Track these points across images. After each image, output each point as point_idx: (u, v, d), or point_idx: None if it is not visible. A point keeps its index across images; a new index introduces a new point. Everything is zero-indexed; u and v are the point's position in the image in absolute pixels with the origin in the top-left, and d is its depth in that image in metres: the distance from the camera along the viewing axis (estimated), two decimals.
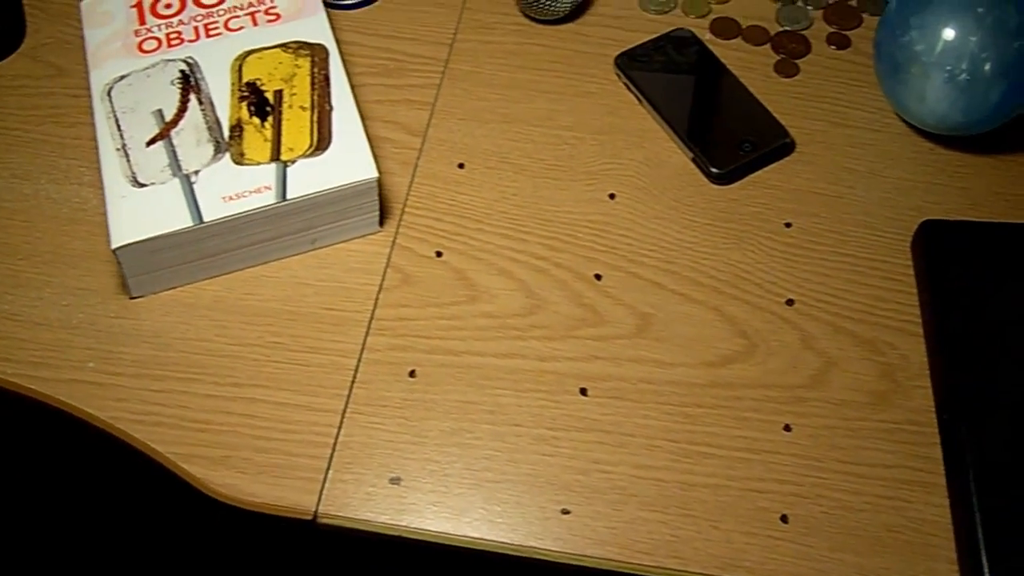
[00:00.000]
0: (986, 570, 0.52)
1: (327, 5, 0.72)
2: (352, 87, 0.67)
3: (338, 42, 0.70)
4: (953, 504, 0.56)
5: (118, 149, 0.63)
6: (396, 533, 0.56)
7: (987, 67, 0.63)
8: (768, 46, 0.74)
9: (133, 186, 0.62)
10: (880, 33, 0.67)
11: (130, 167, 0.62)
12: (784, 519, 0.56)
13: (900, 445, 0.58)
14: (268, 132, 0.64)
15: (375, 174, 0.62)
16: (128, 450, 0.59)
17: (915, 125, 0.69)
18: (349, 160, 0.63)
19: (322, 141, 0.64)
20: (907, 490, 0.57)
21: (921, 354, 0.61)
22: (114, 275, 0.64)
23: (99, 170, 0.63)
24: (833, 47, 0.74)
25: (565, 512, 0.56)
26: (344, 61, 0.69)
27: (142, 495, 0.94)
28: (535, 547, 0.55)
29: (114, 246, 0.59)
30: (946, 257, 0.62)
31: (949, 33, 0.63)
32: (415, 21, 0.76)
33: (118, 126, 0.64)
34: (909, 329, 0.62)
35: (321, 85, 0.66)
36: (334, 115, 0.65)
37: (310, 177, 0.62)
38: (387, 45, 0.75)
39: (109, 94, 0.65)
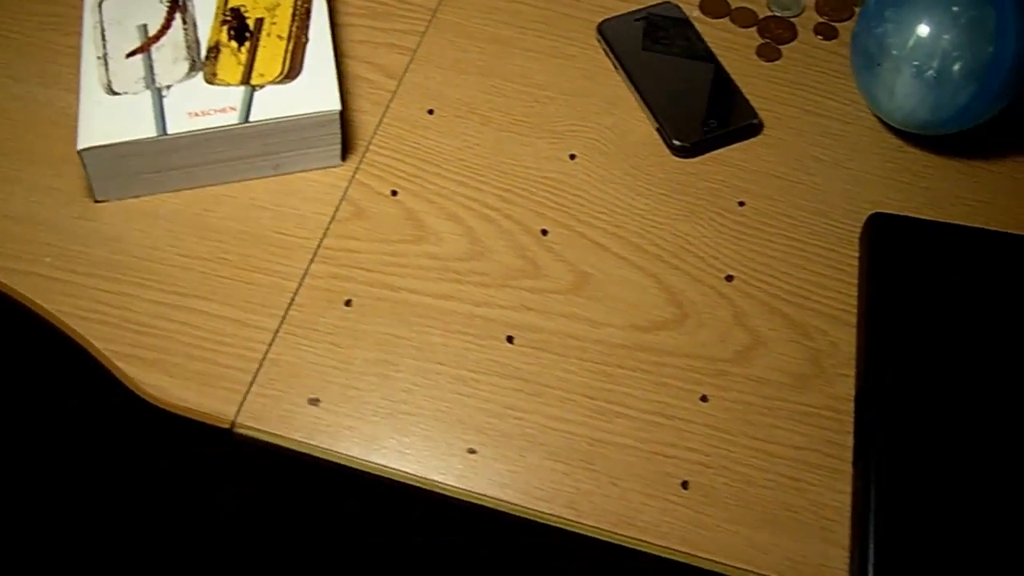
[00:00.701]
0: (871, 562, 0.53)
1: None
2: (335, 25, 0.69)
3: None
4: (854, 492, 0.56)
5: (99, 58, 0.66)
6: (307, 451, 0.58)
7: (957, 67, 0.62)
8: (754, 29, 0.74)
9: (107, 94, 0.64)
10: (858, 25, 0.67)
11: (107, 75, 0.65)
12: (685, 485, 0.57)
13: (814, 429, 0.59)
14: (243, 56, 0.66)
15: (337, 107, 0.64)
16: (69, 344, 0.62)
17: (885, 120, 0.69)
18: (315, 91, 0.64)
19: (292, 70, 0.65)
20: (813, 473, 0.57)
21: (851, 344, 0.61)
22: (82, 178, 0.66)
23: (79, 76, 0.66)
24: (820, 37, 0.74)
25: (471, 451, 0.58)
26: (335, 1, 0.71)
27: (77, 390, 0.96)
28: (436, 481, 0.57)
29: (80, 147, 0.62)
30: (891, 251, 0.62)
31: (923, 29, 0.63)
32: None
33: (103, 36, 0.66)
34: (844, 318, 0.62)
35: (301, 18, 0.68)
36: (309, 47, 0.66)
37: (275, 103, 0.64)
38: None
39: (100, 6, 0.68)
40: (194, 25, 0.67)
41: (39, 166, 0.67)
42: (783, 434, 0.59)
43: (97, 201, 0.66)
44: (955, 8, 0.62)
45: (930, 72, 0.63)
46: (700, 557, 0.55)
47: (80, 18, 0.72)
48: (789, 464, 0.58)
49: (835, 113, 0.71)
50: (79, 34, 0.72)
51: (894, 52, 0.64)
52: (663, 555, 0.55)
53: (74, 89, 0.70)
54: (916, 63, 0.63)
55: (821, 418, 0.59)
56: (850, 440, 0.58)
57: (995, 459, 0.55)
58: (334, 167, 0.67)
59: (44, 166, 0.67)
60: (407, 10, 0.75)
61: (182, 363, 0.60)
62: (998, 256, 0.62)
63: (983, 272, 0.61)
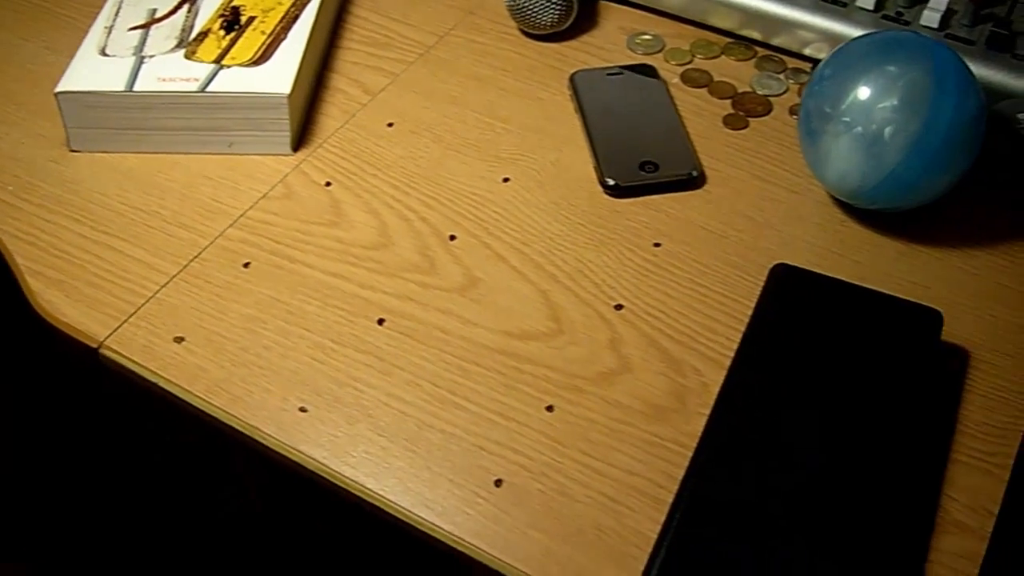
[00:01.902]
0: None
1: None
2: (336, 47, 0.74)
3: (348, 13, 0.79)
4: (664, 525, 0.52)
5: (106, 27, 0.73)
6: (155, 381, 0.59)
7: (888, 130, 0.60)
8: (729, 101, 0.74)
9: (99, 55, 0.71)
10: (804, 92, 0.65)
11: (106, 41, 0.72)
12: (498, 483, 0.54)
13: (653, 459, 0.55)
14: (224, 43, 0.72)
15: (286, 91, 0.68)
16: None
17: (827, 189, 0.66)
18: (272, 76, 0.69)
19: (262, 59, 0.71)
20: (636, 499, 0.53)
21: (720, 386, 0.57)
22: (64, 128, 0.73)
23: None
24: (794, 116, 0.72)
25: (302, 410, 0.57)
26: (345, 28, 0.78)
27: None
28: (256, 427, 0.56)
29: (56, 90, 0.69)
30: (782, 301, 0.58)
31: (861, 91, 0.61)
32: (424, 13, 0.83)
33: (117, 13, 0.74)
34: (724, 363, 0.59)
35: (289, 20, 0.73)
36: (283, 43, 0.72)
37: (233, 81, 0.69)
38: (389, 24, 0.82)
39: None
40: (196, 14, 0.74)
41: (37, 116, 0.74)
42: (619, 457, 0.55)
43: (72, 150, 0.72)
44: (892, 70, 0.60)
45: (860, 133, 0.60)
46: (486, 553, 0.51)
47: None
48: (615, 485, 0.54)
49: (783, 182, 0.69)
50: None
51: (829, 111, 0.62)
52: (450, 543, 0.52)
53: None
54: (849, 124, 0.61)
55: (665, 450, 0.55)
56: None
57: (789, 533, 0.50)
58: (284, 155, 0.71)
59: (42, 117, 0.74)
60: (406, 44, 0.80)
61: (80, 287, 0.63)
62: (887, 318, 0.57)
63: (862, 331, 0.57)
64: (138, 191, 0.69)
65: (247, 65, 0.70)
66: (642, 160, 0.68)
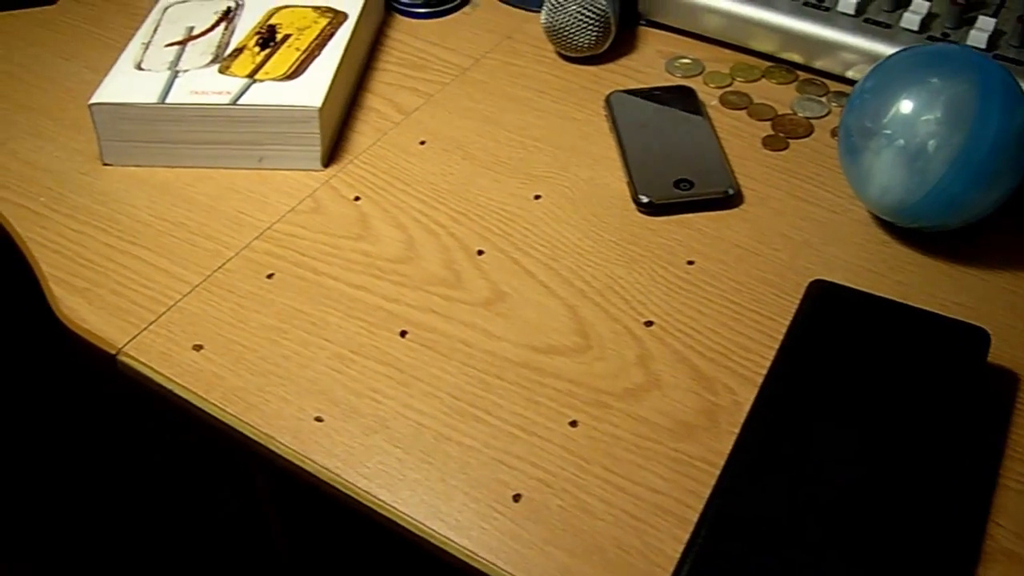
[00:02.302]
0: None
1: (400, 10, 0.82)
2: (372, 69, 0.75)
3: (385, 36, 0.79)
4: (688, 544, 0.49)
5: (143, 44, 0.74)
6: (168, 386, 0.58)
7: (932, 144, 0.57)
8: (769, 123, 0.72)
9: (135, 69, 0.72)
10: (845, 108, 0.63)
11: (142, 56, 0.73)
12: (516, 498, 0.51)
13: (680, 477, 0.52)
14: (259, 58, 0.72)
15: (317, 104, 0.68)
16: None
17: (868, 207, 0.64)
18: (304, 90, 0.69)
19: (294, 74, 0.70)
20: (660, 518, 0.50)
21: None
22: (96, 143, 0.73)
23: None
24: (835, 138, 0.70)
25: (318, 419, 0.55)
26: (381, 51, 0.78)
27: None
28: (271, 436, 0.55)
29: (90, 102, 0.69)
30: (819, 318, 0.56)
31: (903, 105, 0.59)
32: (461, 37, 0.82)
33: (155, 30, 0.75)
34: (758, 381, 0.56)
35: (324, 39, 0.73)
36: (317, 59, 0.71)
37: (264, 94, 0.69)
38: (426, 48, 0.81)
39: (165, 10, 0.77)
40: (232, 32, 0.74)
41: (73, 131, 0.74)
42: (644, 474, 0.52)
43: (105, 164, 0.72)
44: (935, 82, 0.58)
45: (903, 146, 0.58)
46: (501, 570, 0.49)
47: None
48: (638, 504, 0.51)
49: (823, 202, 0.66)
50: None
51: (870, 125, 0.60)
52: (464, 558, 0.49)
53: None
54: (891, 137, 0.58)
55: (693, 468, 0.52)
56: None
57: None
58: (314, 170, 0.71)
59: (77, 132, 0.74)
60: (443, 66, 0.79)
61: (103, 295, 0.63)
62: (930, 337, 0.54)
63: (905, 350, 0.54)
64: (166, 203, 0.69)
65: (280, 80, 0.70)
66: (677, 178, 0.66)
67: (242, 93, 0.69)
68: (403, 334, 0.60)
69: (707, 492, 0.51)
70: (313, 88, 0.69)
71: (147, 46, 0.74)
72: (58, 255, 0.66)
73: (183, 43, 0.74)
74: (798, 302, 0.59)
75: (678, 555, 0.49)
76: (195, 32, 0.75)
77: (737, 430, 0.54)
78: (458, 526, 0.51)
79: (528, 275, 0.63)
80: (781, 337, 0.58)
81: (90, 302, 0.63)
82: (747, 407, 0.55)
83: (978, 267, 0.63)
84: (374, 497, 0.52)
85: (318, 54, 0.72)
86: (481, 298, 0.62)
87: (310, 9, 0.77)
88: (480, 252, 0.65)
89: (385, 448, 0.54)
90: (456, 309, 0.61)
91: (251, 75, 0.70)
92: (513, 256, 0.64)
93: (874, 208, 0.63)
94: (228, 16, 0.76)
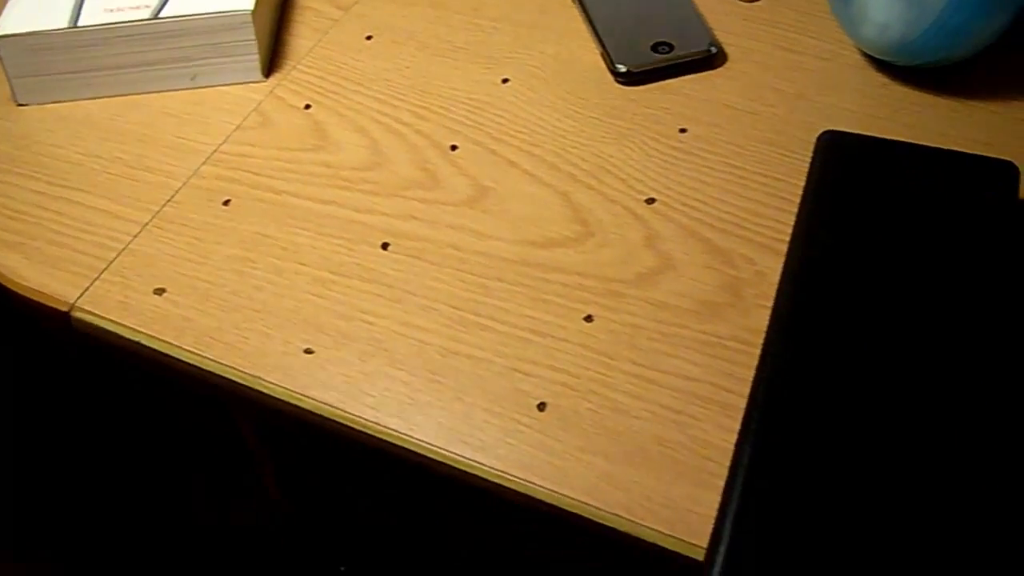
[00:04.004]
0: (733, 509, 0.41)
1: None
2: None
3: None
4: (742, 429, 0.45)
5: None
6: (137, 339, 0.52)
7: None
8: None
9: None
10: None
11: None
12: (541, 407, 0.47)
13: (713, 360, 0.48)
14: None
15: (249, 7, 0.60)
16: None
17: (861, 47, 0.59)
18: None
19: None
20: (700, 407, 0.46)
21: (777, 274, 0.51)
22: (7, 82, 0.66)
23: None
24: None
25: (308, 351, 0.50)
26: None
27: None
28: (259, 377, 0.49)
29: None
30: (837, 171, 0.52)
31: None
32: None
33: None
34: (778, 248, 0.52)
35: None
36: None
37: (188, 3, 0.61)
38: None
39: None
40: None
41: None
42: (674, 363, 0.48)
43: (20, 104, 0.64)
44: None
45: None
46: (538, 486, 0.45)
47: None
48: (674, 395, 0.47)
49: (812, 50, 0.62)
50: None
51: None
52: (495, 480, 0.45)
53: None
54: None
55: (725, 349, 0.48)
56: (752, 375, 0.47)
57: (894, 419, 0.43)
58: (254, 82, 0.64)
59: None
60: None
61: (41, 247, 0.56)
62: (956, 176, 0.50)
63: (933, 194, 0.50)
64: (95, 139, 0.62)
65: None
66: (654, 42, 0.61)
67: (162, 5, 0.61)
68: (385, 246, 0.54)
69: (745, 373, 0.48)
70: None
71: None
72: None
73: None
74: (804, 159, 0.55)
75: (725, 443, 0.45)
76: None
77: (764, 302, 0.50)
78: (483, 446, 0.46)
79: (510, 165, 0.58)
80: (793, 198, 0.54)
81: (27, 257, 0.56)
82: (771, 276, 0.51)
83: (985, 100, 0.59)
84: (384, 427, 0.47)
85: None
86: (463, 196, 0.56)
87: None
88: (453, 147, 0.59)
89: (387, 372, 0.49)
90: (438, 212, 0.56)
91: None
92: (490, 147, 0.59)
93: (870, 49, 0.58)
94: None
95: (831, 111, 0.59)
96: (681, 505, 0.44)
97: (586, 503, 0.44)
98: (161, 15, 0.61)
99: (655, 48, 0.61)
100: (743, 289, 0.51)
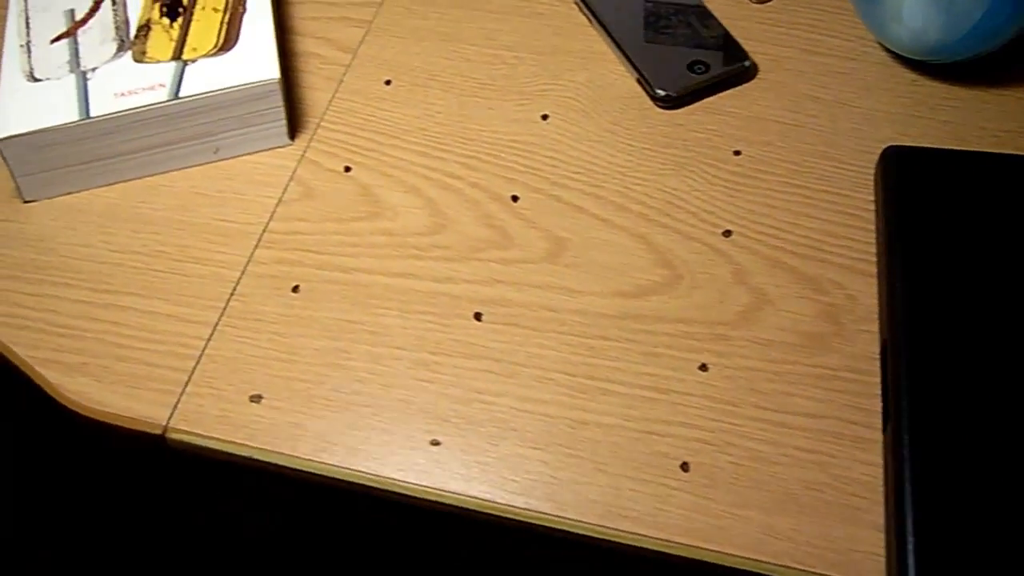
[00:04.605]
0: (911, 541, 0.44)
1: None
2: (283, 3, 0.63)
3: None
4: (886, 463, 0.48)
5: (22, 46, 0.60)
6: (247, 454, 0.50)
7: None
8: None
9: (28, 81, 0.58)
10: None
11: (29, 63, 0.59)
12: (684, 467, 0.49)
13: (833, 394, 0.50)
14: (175, 32, 0.60)
15: (276, 75, 0.57)
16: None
17: (895, 52, 0.61)
18: (251, 61, 0.58)
19: (228, 42, 0.59)
20: (834, 444, 0.49)
21: (873, 296, 0.53)
22: (10, 178, 0.61)
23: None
24: None
25: (435, 443, 0.50)
26: None
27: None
28: (394, 479, 0.49)
29: None
30: (910, 187, 0.54)
31: None
32: None
33: (27, 23, 0.61)
34: (862, 268, 0.54)
35: None
36: (245, 17, 0.60)
37: (208, 76, 0.58)
38: None
39: None
40: (124, 5, 0.61)
41: None
42: (796, 402, 0.50)
43: (26, 201, 0.60)
44: None
45: None
46: (707, 550, 0.46)
47: (5, 7, 0.68)
48: (805, 435, 0.49)
49: (838, 51, 0.63)
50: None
51: None
52: (661, 549, 0.47)
53: None
54: None
55: (841, 381, 0.51)
56: (877, 404, 0.50)
57: None
58: (281, 147, 0.61)
59: None
60: None
61: (109, 365, 0.53)
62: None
63: (1014, 201, 0.53)
64: (126, 232, 0.58)
65: (214, 54, 0.59)
66: (689, 61, 0.61)
67: (178, 82, 0.58)
68: (478, 317, 0.54)
69: (865, 403, 0.50)
70: (259, 55, 0.58)
71: (28, 48, 0.60)
72: (25, 330, 0.55)
73: (71, 33, 0.60)
74: (861, 169, 0.57)
75: (868, 478, 0.47)
76: (79, 17, 0.61)
77: (865, 327, 0.52)
78: (639, 517, 0.47)
79: (578, 211, 0.57)
80: (861, 213, 0.56)
81: (98, 379, 0.53)
82: (863, 299, 0.53)
83: (1011, 89, 0.61)
84: (537, 512, 0.48)
85: (243, 10, 0.61)
86: (541, 252, 0.56)
87: None
88: (514, 198, 0.58)
89: (522, 454, 0.49)
90: (520, 272, 0.55)
91: (177, 56, 0.59)
92: (552, 194, 0.58)
93: (902, 50, 0.60)
94: None
95: (872, 115, 0.60)
96: (843, 546, 0.46)
97: (754, 559, 0.46)
98: (181, 94, 0.57)
99: (691, 68, 0.61)
100: (840, 316, 0.53)
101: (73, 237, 0.58)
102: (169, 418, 0.51)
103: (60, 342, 0.54)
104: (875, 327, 0.52)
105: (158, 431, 0.51)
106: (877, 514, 0.47)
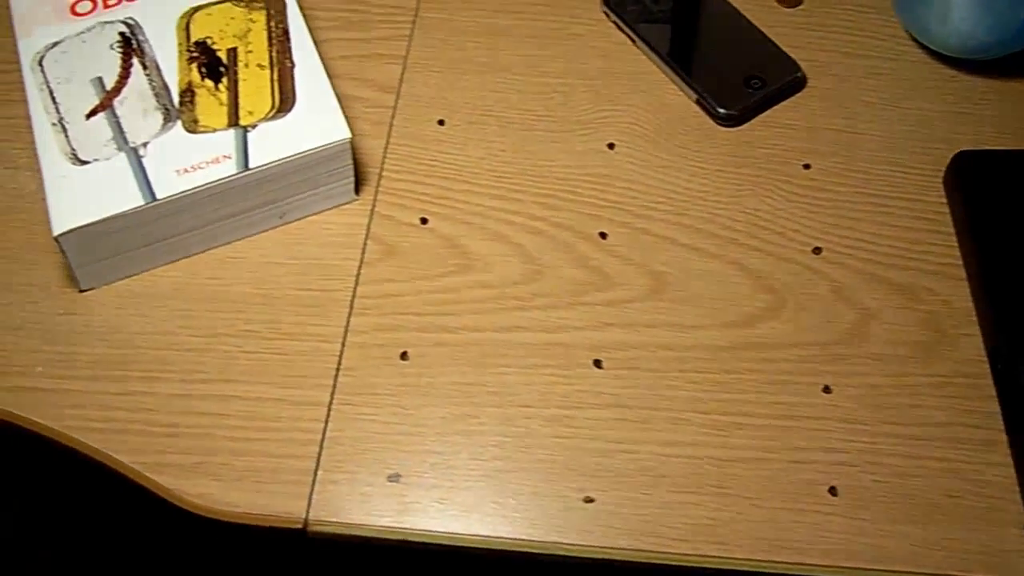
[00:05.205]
0: None
1: None
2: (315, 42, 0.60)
3: None
4: (1017, 462, 0.51)
5: (54, 124, 0.55)
6: (399, 537, 0.49)
7: None
8: None
9: (74, 164, 0.54)
10: None
11: (69, 143, 0.55)
12: (833, 491, 0.50)
13: (952, 400, 0.53)
14: (224, 95, 0.57)
15: (347, 135, 0.55)
16: (91, 464, 0.53)
17: (933, 50, 0.63)
18: (317, 121, 0.55)
19: (285, 102, 0.56)
20: (964, 450, 0.51)
21: (965, 299, 0.56)
22: (59, 267, 0.56)
23: (35, 150, 0.56)
24: None
25: (588, 500, 0.50)
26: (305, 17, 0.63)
27: (111, 513, 0.86)
28: (558, 542, 0.49)
29: (56, 233, 0.52)
30: (985, 190, 0.56)
31: None
32: None
33: (53, 99, 0.56)
34: (950, 272, 0.57)
35: (280, 40, 0.59)
36: (297, 72, 0.57)
37: (274, 142, 0.55)
38: None
39: (41, 64, 0.58)
40: (157, 69, 0.57)
41: (4, 261, 0.56)
42: (921, 413, 0.53)
43: (83, 291, 0.56)
44: None
45: None
46: (872, 570, 0.49)
47: (13, 83, 0.62)
48: (937, 445, 0.52)
49: (876, 51, 0.65)
50: (18, 102, 0.62)
51: None
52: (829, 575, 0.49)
53: (25, 167, 0.60)
54: None
55: (955, 387, 0.53)
56: (993, 405, 0.52)
57: None
58: (347, 203, 0.59)
59: (10, 260, 0.56)
60: (384, 14, 0.66)
61: (228, 461, 0.51)
62: None
63: None
64: (202, 313, 0.55)
65: (275, 117, 0.55)
66: (744, 77, 0.62)
67: (244, 151, 0.54)
68: (597, 364, 0.54)
69: (982, 406, 0.52)
70: (324, 115, 0.55)
71: (62, 125, 0.55)
72: (122, 433, 0.51)
73: (106, 106, 0.56)
74: (927, 172, 0.59)
75: (1002, 479, 0.50)
76: (109, 86, 0.57)
77: (966, 331, 0.54)
78: (802, 547, 0.49)
79: (669, 242, 0.57)
80: (937, 216, 0.58)
81: (218, 478, 0.50)
82: (958, 303, 0.55)
83: None
84: (705, 555, 0.49)
85: (291, 64, 0.57)
86: (644, 289, 0.56)
87: (230, 4, 0.59)
88: (603, 235, 0.58)
89: (676, 499, 0.50)
90: (628, 312, 0.55)
91: (234, 123, 0.55)
92: (639, 227, 0.58)
93: (947, 50, 0.62)
94: (133, 48, 0.58)
95: (922, 116, 0.62)
96: (993, 548, 0.49)
97: (919, 572, 0.48)
98: (251, 165, 0.54)
99: (747, 84, 0.61)
100: (941, 323, 0.55)
101: (147, 324, 0.55)
102: (307, 510, 0.50)
103: (166, 443, 0.51)
104: (975, 330, 0.54)
105: (298, 525, 0.50)
106: (1016, 512, 0.50)
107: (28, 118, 0.58)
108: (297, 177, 0.56)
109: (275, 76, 0.57)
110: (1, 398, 0.53)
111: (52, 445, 0.53)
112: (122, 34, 0.59)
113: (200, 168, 0.54)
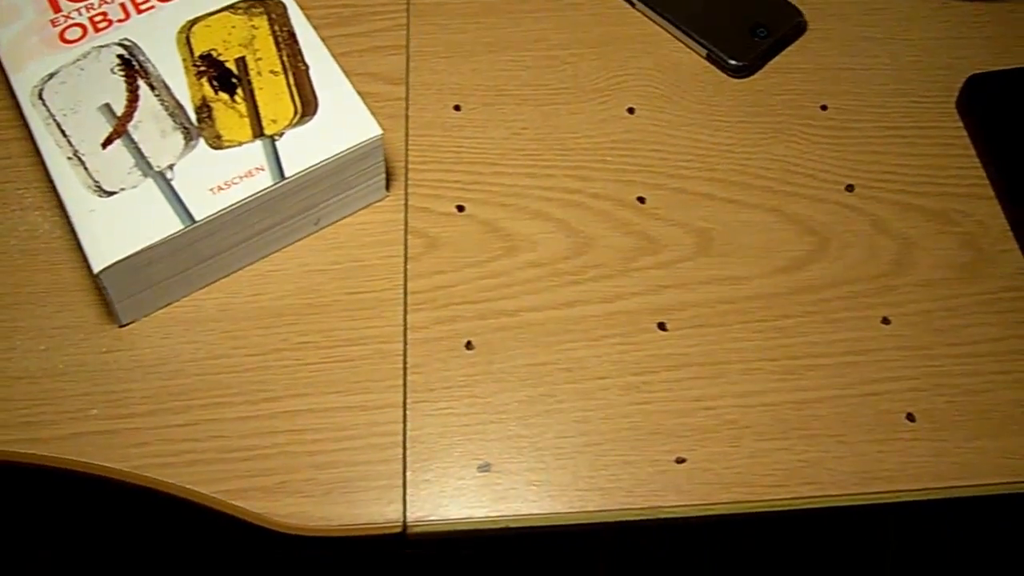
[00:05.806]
0: None
1: None
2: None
3: None
4: None
5: (70, 158, 0.53)
6: (500, 526, 0.49)
7: None
8: None
9: (100, 196, 0.52)
10: None
11: (90, 176, 0.53)
12: (911, 417, 0.52)
13: (1002, 315, 0.54)
14: (242, 106, 0.55)
15: (378, 131, 0.54)
16: (167, 501, 0.51)
17: None
18: (344, 121, 0.54)
19: (307, 105, 0.55)
20: (1021, 362, 0.53)
21: (998, 216, 0.57)
22: (93, 304, 0.54)
23: (53, 187, 0.53)
24: None
25: (680, 461, 0.50)
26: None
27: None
28: (659, 506, 0.49)
29: (96, 270, 0.50)
30: (1000, 109, 0.58)
31: None
32: None
33: (63, 132, 0.54)
34: (978, 193, 0.58)
35: (288, 43, 0.57)
36: (312, 74, 0.56)
37: (306, 148, 0.53)
38: None
39: (41, 97, 0.55)
40: (165, 87, 0.55)
41: (31, 306, 0.54)
42: (976, 331, 0.54)
43: (123, 325, 0.54)
44: None
45: None
46: (960, 487, 0.50)
47: (10, 121, 0.60)
48: (996, 359, 0.53)
49: None
50: (16, 140, 0.59)
51: None
52: (921, 499, 0.50)
53: (33, 206, 0.57)
54: None
55: (1002, 302, 0.55)
56: None
57: None
58: (378, 201, 0.58)
59: (37, 305, 0.54)
60: (378, 5, 0.65)
61: (312, 477, 0.50)
62: None
63: None
64: (253, 332, 0.54)
65: (300, 123, 0.54)
66: (749, 27, 0.62)
67: (275, 160, 0.53)
68: (662, 327, 0.54)
69: None
70: (350, 114, 0.54)
71: (79, 158, 0.53)
72: (195, 464, 0.50)
73: (120, 132, 0.54)
74: (939, 99, 0.61)
75: None
76: (119, 112, 0.54)
77: (1004, 247, 0.56)
78: (892, 475, 0.50)
79: (707, 199, 0.58)
80: (955, 141, 0.60)
81: (307, 495, 0.49)
82: (991, 222, 0.57)
83: None
84: (802, 497, 0.49)
85: (305, 67, 0.56)
86: (692, 248, 0.56)
87: (228, 13, 0.58)
88: (641, 200, 0.58)
89: (764, 447, 0.51)
90: (682, 272, 0.55)
91: (259, 133, 0.54)
92: (674, 187, 0.58)
93: None
94: (135, 69, 0.56)
95: (924, 44, 0.63)
96: None
97: (1002, 483, 0.50)
98: (287, 174, 0.52)
99: (753, 33, 0.62)
100: (978, 242, 0.56)
101: (198, 351, 0.53)
102: (404, 513, 0.49)
103: (243, 467, 0.50)
104: (1012, 244, 0.56)
105: (397, 529, 0.49)
106: None
107: (33, 155, 0.56)
108: (331, 180, 0.54)
109: (291, 80, 0.56)
110: (60, 447, 0.51)
111: (122, 490, 0.51)
112: (121, 56, 0.56)
113: (235, 184, 0.52)
